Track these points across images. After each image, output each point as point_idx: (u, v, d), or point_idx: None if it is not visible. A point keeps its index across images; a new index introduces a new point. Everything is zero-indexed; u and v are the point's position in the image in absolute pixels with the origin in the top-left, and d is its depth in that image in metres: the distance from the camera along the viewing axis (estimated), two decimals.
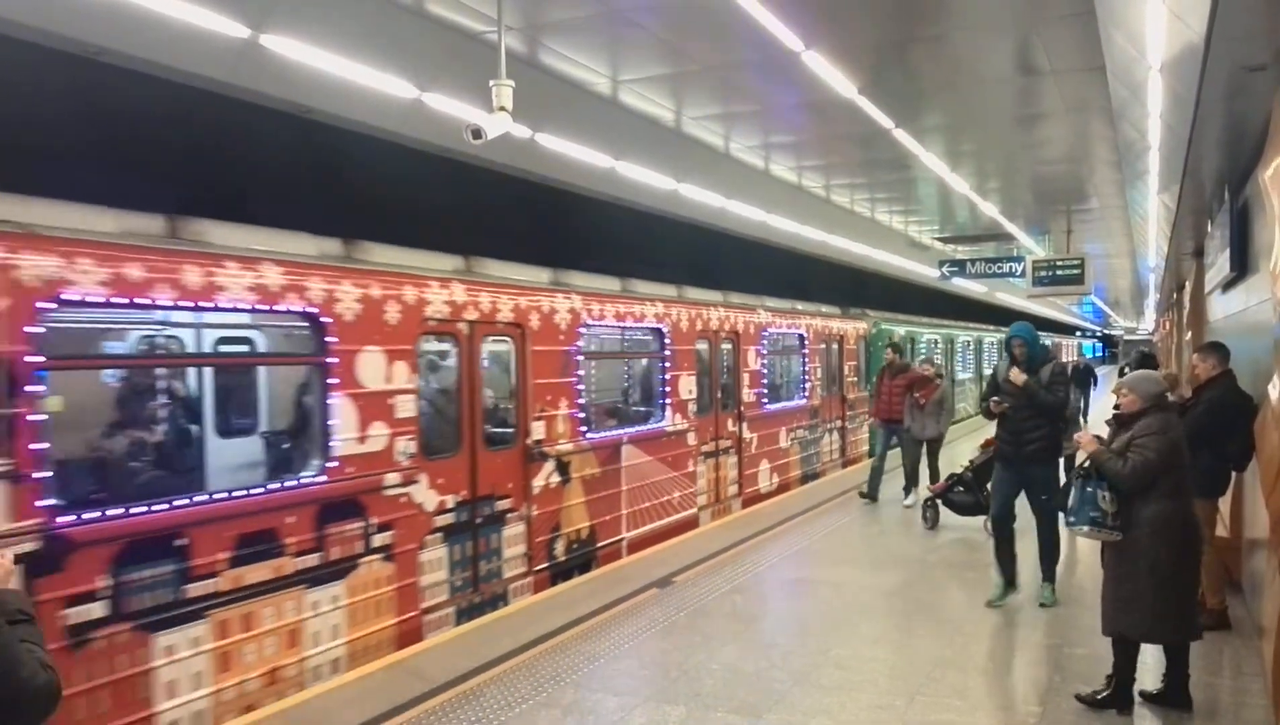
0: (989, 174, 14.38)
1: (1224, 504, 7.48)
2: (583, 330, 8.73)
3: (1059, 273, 16.17)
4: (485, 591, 7.36)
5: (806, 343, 14.19)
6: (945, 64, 8.76)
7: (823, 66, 8.28)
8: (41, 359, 4.54)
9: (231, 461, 7.07)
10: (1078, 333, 66.14)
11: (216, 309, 5.49)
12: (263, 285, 5.59)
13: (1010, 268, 18.34)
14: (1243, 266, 7.08)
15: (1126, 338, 62.59)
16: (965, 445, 13.89)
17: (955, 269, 19.54)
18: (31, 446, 4.45)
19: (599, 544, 8.93)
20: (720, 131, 11.49)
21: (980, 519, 9.41)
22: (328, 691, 5.56)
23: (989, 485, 9.36)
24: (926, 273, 22.78)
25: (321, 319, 5.99)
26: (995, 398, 7.04)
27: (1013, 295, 30.55)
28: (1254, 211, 6.44)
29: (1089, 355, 58.04)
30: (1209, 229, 9.70)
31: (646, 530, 9.73)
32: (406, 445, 6.54)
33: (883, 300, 22.01)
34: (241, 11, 6.04)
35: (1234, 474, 6.72)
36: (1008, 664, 5.97)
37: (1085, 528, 4.97)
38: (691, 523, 10.57)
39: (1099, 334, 73.97)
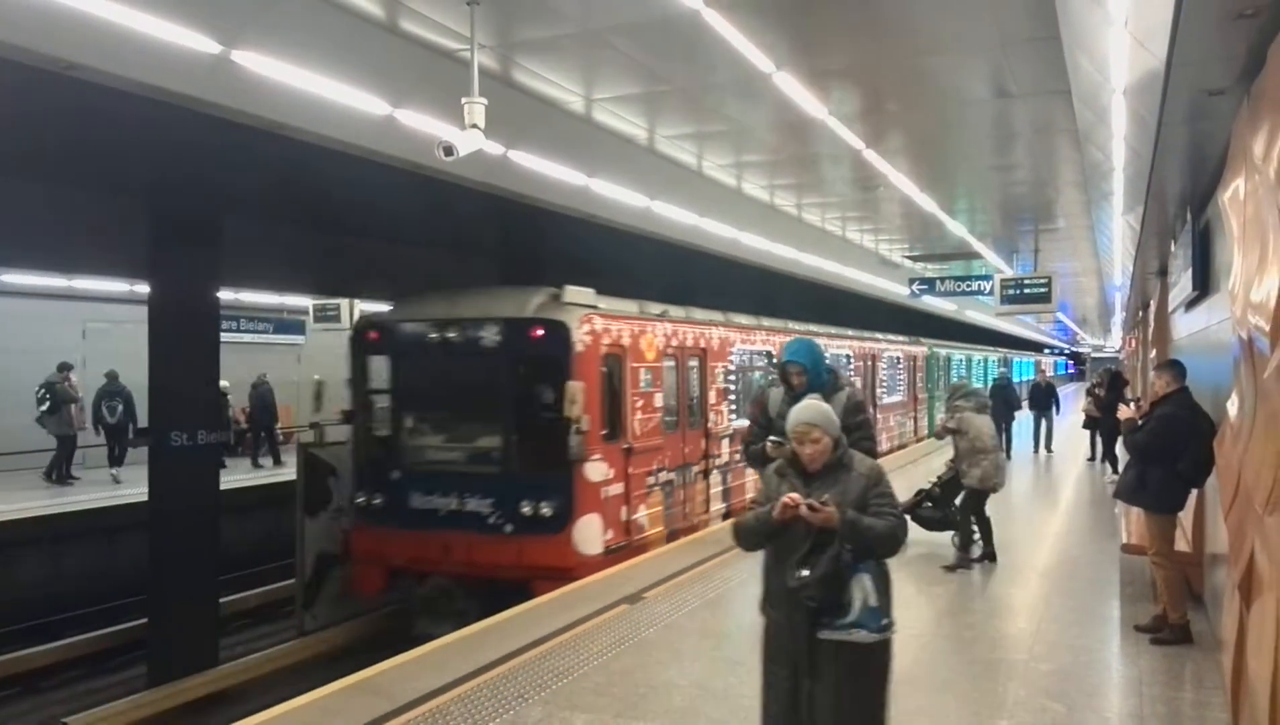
0: (957, 194, 14.55)
1: (1186, 518, 7.60)
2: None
3: (1026, 291, 16.37)
4: None
5: (901, 362, 23.98)
6: (913, 86, 8.87)
7: (793, 88, 8.36)
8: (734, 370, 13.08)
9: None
10: (1045, 350, 66.88)
11: (751, 349, 13.91)
12: (763, 337, 14.36)
13: (979, 286, 18.59)
14: (1204, 286, 7.21)
15: (1094, 356, 63.32)
16: (937, 460, 13.97)
17: (925, 287, 19.77)
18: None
19: None
20: (693, 150, 11.55)
21: (947, 534, 9.50)
22: (286, 713, 5.50)
23: (956, 502, 9.49)
24: (897, 291, 22.96)
25: (771, 352, 13.95)
26: (772, 438, 4.90)
27: (980, 312, 30.86)
28: (1215, 232, 6.57)
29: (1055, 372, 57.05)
30: (1172, 249, 9.87)
31: None
32: None
33: (856, 318, 22.28)
34: (213, 27, 6.01)
35: (1194, 490, 6.83)
36: (974, 680, 6.00)
37: (877, 634, 3.78)
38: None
39: (1067, 351, 74.90)
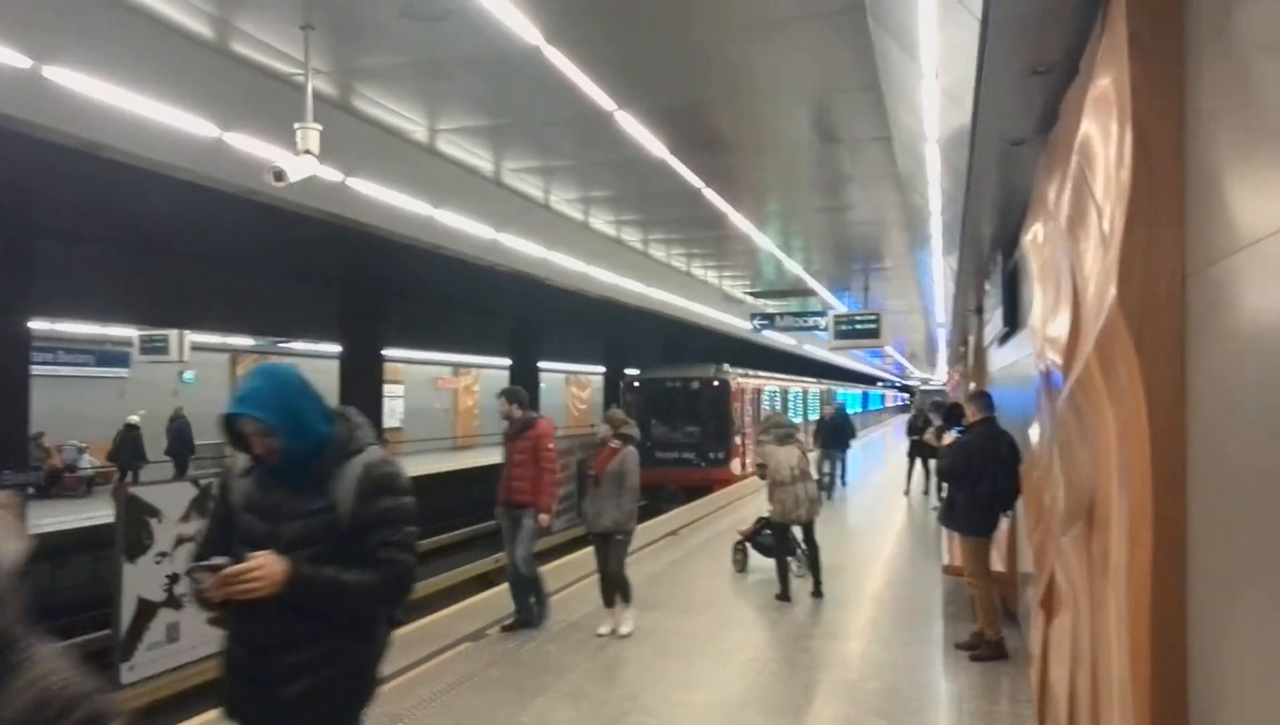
0: (793, 233, 15.12)
1: (1002, 540, 8.07)
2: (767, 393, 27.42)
3: (858, 326, 17.17)
4: None
5: (818, 395, 35.19)
6: (748, 129, 9.19)
7: (634, 127, 8.54)
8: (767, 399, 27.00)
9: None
10: (880, 383, 69.95)
11: (771, 389, 27.74)
12: (779, 383, 29.37)
13: (814, 322, 19.37)
14: (1013, 323, 7.71)
15: (923, 388, 66.67)
16: None
17: (765, 322, 20.44)
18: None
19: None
20: (540, 184, 11.60)
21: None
22: None
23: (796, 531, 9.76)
24: (741, 325, 23.67)
25: (774, 392, 28.31)
26: (195, 567, 2.57)
27: (818, 347, 32.17)
28: (1021, 273, 7.05)
29: (851, 407, 47.28)
30: (986, 288, 10.52)
31: None
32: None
33: (701, 353, 22.99)
34: (22, 41, 5.66)
35: (1006, 515, 7.27)
36: (808, 701, 6.18)
37: None
38: None
39: (899, 384, 78.62)
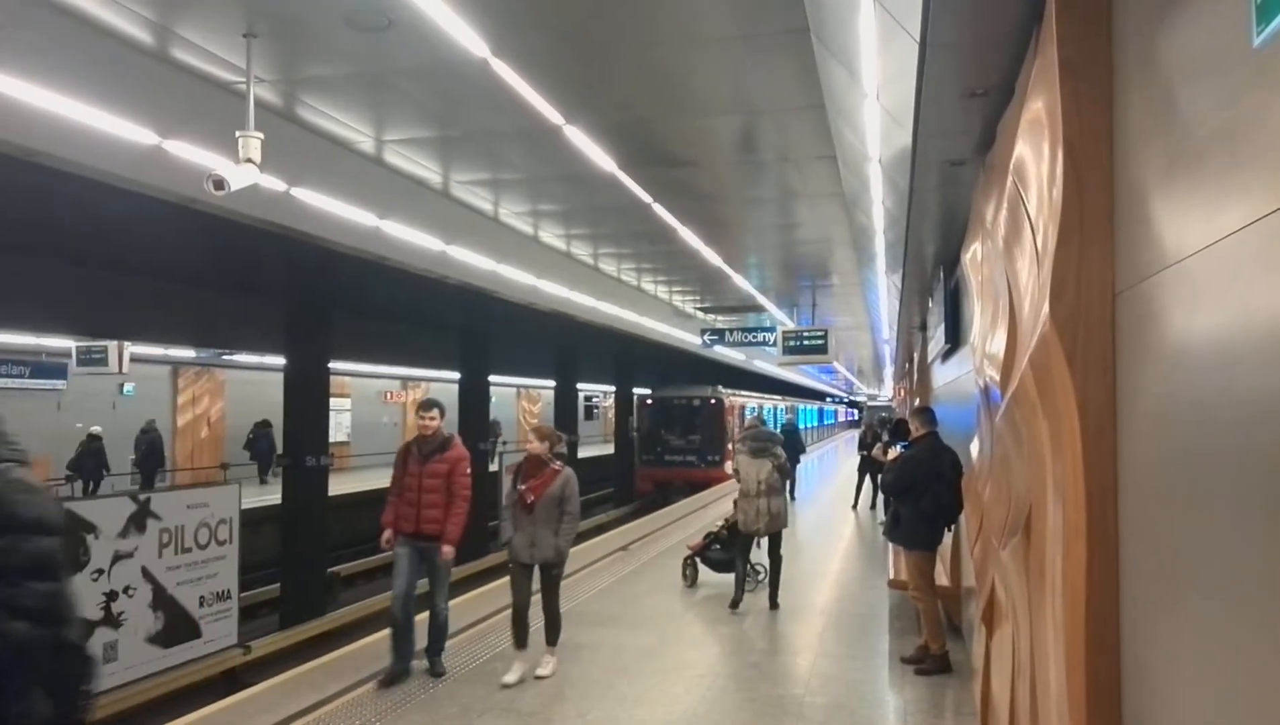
0: (741, 250, 15.20)
1: (947, 554, 8.18)
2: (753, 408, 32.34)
3: (806, 342, 17.33)
4: None
5: (784, 411, 38.22)
6: (694, 145, 9.20)
7: (583, 141, 8.54)
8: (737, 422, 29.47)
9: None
10: (830, 399, 70.63)
11: (750, 403, 33.55)
12: (757, 401, 35.94)
13: (764, 337, 19.54)
14: (955, 339, 7.85)
15: (870, 404, 67.36)
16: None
17: (715, 337, 20.56)
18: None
19: None
20: (489, 196, 11.55)
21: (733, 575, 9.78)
22: None
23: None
24: (691, 340, 23.75)
25: (757, 408, 31.61)
26: None
27: (769, 364, 32.50)
28: (962, 290, 7.18)
29: (810, 422, 51.81)
30: (930, 305, 10.70)
31: None
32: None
33: (654, 368, 23.01)
34: None
35: (950, 528, 7.37)
36: (755, 716, 6.18)
37: None
38: None
39: (848, 400, 79.42)
